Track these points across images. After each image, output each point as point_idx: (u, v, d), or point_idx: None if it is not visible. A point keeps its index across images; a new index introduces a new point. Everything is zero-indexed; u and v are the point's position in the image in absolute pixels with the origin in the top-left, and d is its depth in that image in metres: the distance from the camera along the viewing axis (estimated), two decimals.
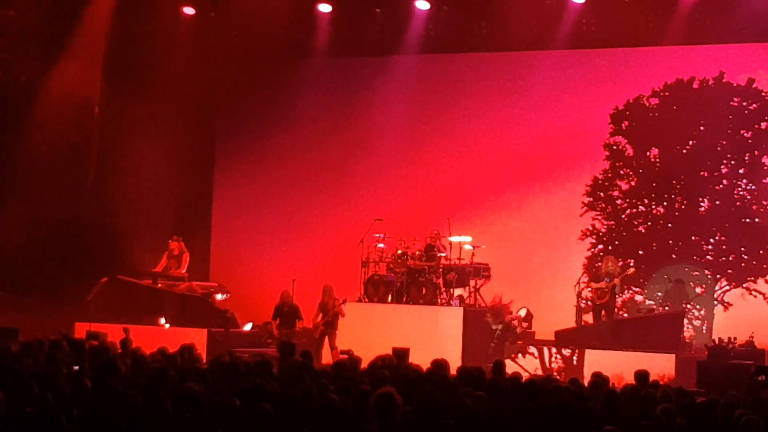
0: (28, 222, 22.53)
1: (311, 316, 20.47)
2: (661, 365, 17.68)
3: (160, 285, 21.90)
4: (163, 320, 21.27)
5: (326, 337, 20.15)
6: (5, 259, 22.13)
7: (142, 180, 24.38)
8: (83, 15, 23.44)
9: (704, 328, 21.99)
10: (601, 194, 23.20)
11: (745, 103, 22.39)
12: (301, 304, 20.51)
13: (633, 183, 23.05)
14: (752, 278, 21.91)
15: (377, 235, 21.75)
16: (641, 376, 12.81)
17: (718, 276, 22.21)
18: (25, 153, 23.02)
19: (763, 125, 22.26)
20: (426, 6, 23.44)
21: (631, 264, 22.05)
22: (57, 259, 22.95)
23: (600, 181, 23.21)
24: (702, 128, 22.49)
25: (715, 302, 22.13)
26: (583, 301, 20.99)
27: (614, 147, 23.20)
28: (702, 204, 22.48)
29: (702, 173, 22.42)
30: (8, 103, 23.12)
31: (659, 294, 21.59)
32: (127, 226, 23.78)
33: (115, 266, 22.65)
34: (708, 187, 22.40)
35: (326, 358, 19.19)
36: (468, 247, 21.45)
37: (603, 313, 20.35)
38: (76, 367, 8.89)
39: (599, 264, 21.16)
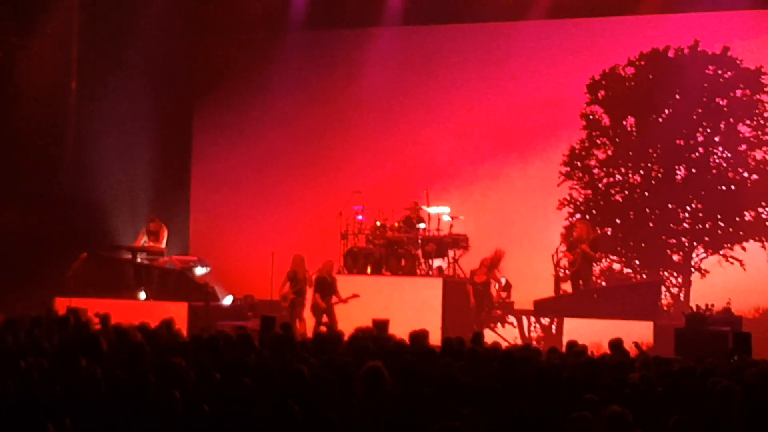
0: (6, 197, 22.48)
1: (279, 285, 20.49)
2: (639, 333, 17.78)
3: (139, 260, 21.92)
4: (143, 294, 21.29)
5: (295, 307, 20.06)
6: None
7: (120, 155, 24.28)
8: None
9: (681, 295, 22.17)
10: (578, 164, 23.29)
11: (720, 72, 22.46)
12: (279, 277, 20.55)
13: (609, 152, 23.14)
14: (729, 245, 22.05)
15: (356, 207, 21.78)
16: (615, 344, 12.98)
17: (694, 243, 22.37)
18: (2, 128, 22.92)
19: (738, 93, 22.34)
20: None
21: (608, 232, 22.21)
22: (36, 234, 22.86)
23: (577, 151, 23.30)
24: (678, 97, 22.57)
25: (692, 269, 22.29)
26: (562, 270, 21.10)
27: (591, 117, 23.28)
28: (678, 172, 22.60)
29: (678, 141, 22.53)
30: None
31: None
32: (105, 201, 23.73)
33: (94, 241, 22.60)
34: (684, 155, 22.52)
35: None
36: (446, 218, 21.52)
37: (580, 282, 20.48)
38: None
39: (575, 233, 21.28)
